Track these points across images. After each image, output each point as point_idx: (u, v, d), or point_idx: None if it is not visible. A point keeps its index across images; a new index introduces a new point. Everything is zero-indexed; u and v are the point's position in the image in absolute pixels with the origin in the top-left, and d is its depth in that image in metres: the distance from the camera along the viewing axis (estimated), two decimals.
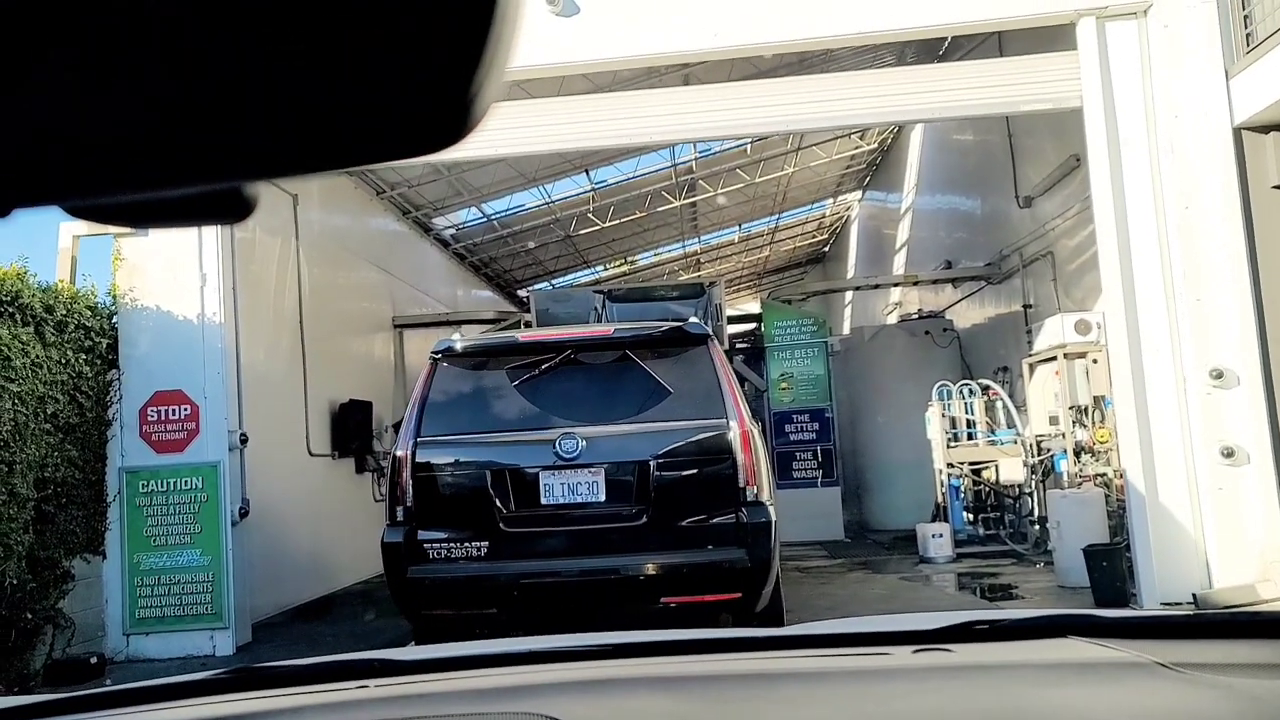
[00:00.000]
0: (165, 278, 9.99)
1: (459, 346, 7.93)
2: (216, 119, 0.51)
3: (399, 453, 7.54)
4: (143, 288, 10.09)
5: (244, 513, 10.29)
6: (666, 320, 8.80)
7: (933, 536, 13.85)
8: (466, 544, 7.34)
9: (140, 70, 0.50)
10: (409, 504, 7.40)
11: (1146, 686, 1.73)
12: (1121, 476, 11.64)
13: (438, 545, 7.36)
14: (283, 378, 12.66)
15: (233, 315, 10.36)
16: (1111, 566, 9.72)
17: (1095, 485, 11.53)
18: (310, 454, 13.30)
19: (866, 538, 17.12)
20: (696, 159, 20.57)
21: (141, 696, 2.00)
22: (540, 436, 7.46)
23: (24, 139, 0.51)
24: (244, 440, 10.39)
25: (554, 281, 26.98)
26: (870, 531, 17.64)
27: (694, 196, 22.75)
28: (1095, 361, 12.61)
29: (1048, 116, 13.86)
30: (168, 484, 9.96)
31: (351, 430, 14.49)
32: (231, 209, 0.60)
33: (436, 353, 7.92)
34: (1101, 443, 12.33)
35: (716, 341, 8.21)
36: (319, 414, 13.71)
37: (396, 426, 16.12)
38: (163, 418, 10.04)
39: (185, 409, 10.03)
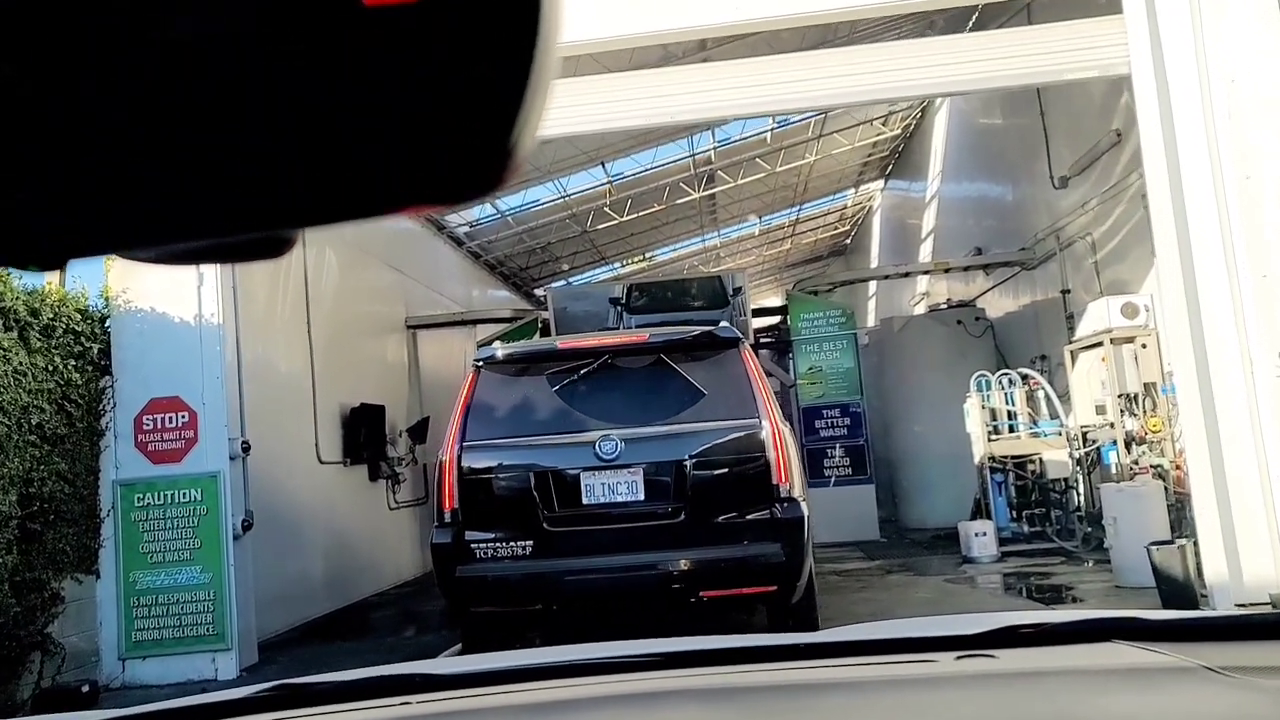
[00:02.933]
0: (161, 278, 9.26)
1: (500, 354, 8.22)
2: (259, 172, 0.53)
3: (444, 457, 7.75)
4: (137, 289, 9.46)
5: (247, 525, 9.68)
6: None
7: (976, 535, 13.25)
8: (512, 543, 7.59)
9: (188, 127, 0.51)
10: (456, 506, 7.64)
11: (1194, 692, 1.70)
12: (1179, 468, 11.03)
13: (484, 545, 7.60)
14: (289, 382, 12.10)
15: (233, 316, 9.76)
16: (1179, 565, 9.05)
17: (1153, 477, 10.85)
18: (320, 461, 12.73)
19: (904, 537, 16.59)
20: (715, 148, 19.97)
21: (181, 717, 2.00)
22: (580, 439, 7.70)
23: (74, 195, 0.53)
24: (246, 448, 9.78)
25: (571, 279, 26.40)
26: (907, 530, 17.12)
27: (713, 188, 22.15)
28: (1144, 346, 12.01)
29: (1083, 91, 13.27)
30: (165, 496, 9.33)
31: (363, 436, 13.91)
32: (271, 247, 0.62)
33: (479, 360, 8.20)
34: (1154, 432, 11.70)
35: (747, 344, 8.45)
36: (329, 419, 13.14)
37: (411, 431, 15.93)
38: (159, 426, 9.42)
39: (183, 416, 9.40)
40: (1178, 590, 9.01)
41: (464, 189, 0.55)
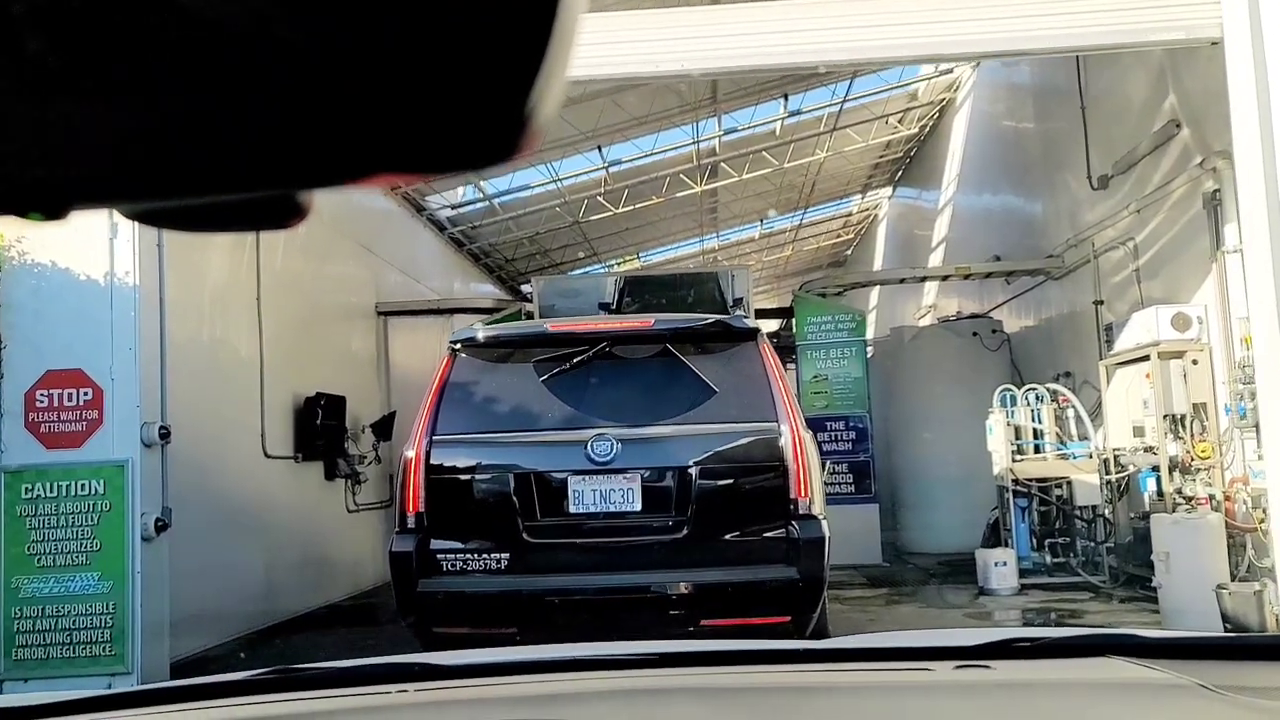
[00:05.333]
0: (65, 227, 7.84)
1: (481, 336, 7.42)
2: (268, 127, 0.52)
3: (411, 453, 6.95)
4: (36, 238, 7.96)
5: (162, 525, 8.20)
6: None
7: (995, 564, 11.97)
8: (485, 555, 6.83)
9: (195, 76, 0.51)
10: (421, 509, 6.84)
11: (1188, 708, 1.73)
12: (1230, 499, 9.82)
13: (452, 556, 6.82)
14: (232, 362, 10.70)
15: (156, 278, 8.30)
16: (1255, 613, 7.74)
17: (1211, 509, 9.53)
18: (266, 455, 11.32)
19: (907, 562, 15.40)
20: (721, 137, 18.68)
21: (178, 695, 2.01)
22: (570, 437, 6.92)
23: (79, 144, 0.53)
24: (164, 435, 8.30)
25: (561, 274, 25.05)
26: (910, 555, 15.94)
27: (716, 182, 20.85)
28: (1195, 362, 10.73)
29: (1123, 87, 12.08)
30: (59, 488, 7.86)
31: (320, 429, 12.51)
32: (281, 214, 0.61)
33: (455, 342, 7.37)
34: (1202, 458, 10.40)
35: (765, 337, 7.54)
36: (279, 408, 11.74)
37: (376, 427, 14.56)
38: (56, 404, 7.94)
39: (86, 393, 7.93)
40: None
41: (478, 156, 0.53)
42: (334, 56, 0.49)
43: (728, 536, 6.82)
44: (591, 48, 7.68)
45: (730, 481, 6.93)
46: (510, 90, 0.50)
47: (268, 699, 1.95)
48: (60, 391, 7.97)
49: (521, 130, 0.51)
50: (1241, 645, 2.29)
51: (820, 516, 6.91)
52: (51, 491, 7.88)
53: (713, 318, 7.60)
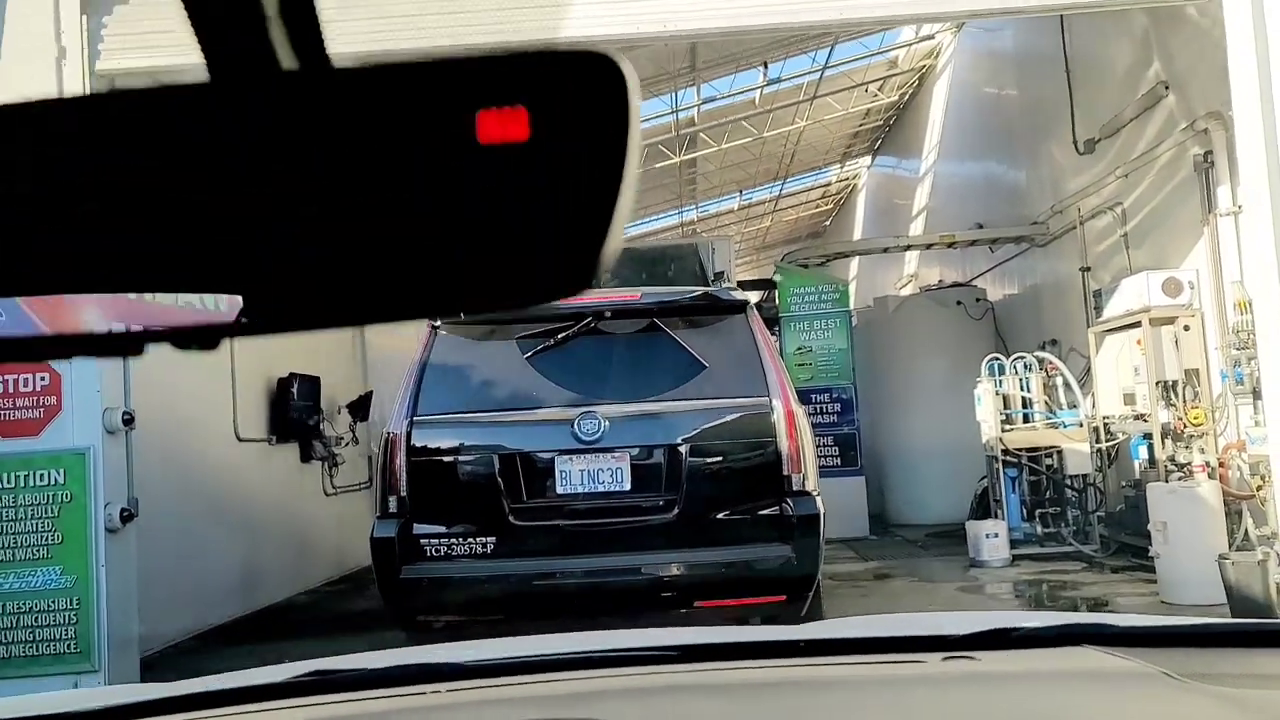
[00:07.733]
0: None
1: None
2: (404, 269, 0.62)
3: (392, 433, 6.80)
4: None
5: (128, 515, 7.86)
6: None
7: (986, 536, 11.77)
8: (469, 539, 6.69)
9: (361, 217, 0.62)
10: (403, 493, 6.68)
11: (1150, 696, 1.76)
12: (1224, 465, 9.62)
13: (436, 541, 6.68)
14: None
15: None
16: (1259, 583, 7.54)
17: (1207, 477, 9.31)
18: (239, 438, 10.99)
19: (893, 534, 15.25)
20: (700, 106, 18.36)
21: (208, 701, 2.02)
22: (556, 415, 6.77)
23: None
24: (128, 420, 7.91)
25: None
26: (896, 527, 15.74)
27: (695, 152, 20.53)
28: (1187, 328, 10.54)
29: (1119, 43, 11.83)
30: (16, 479, 7.49)
31: (295, 410, 12.18)
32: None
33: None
34: (1195, 424, 10.21)
35: (755, 310, 7.51)
36: (252, 390, 11.40)
37: (353, 407, 14.26)
38: (10, 389, 7.58)
39: (42, 378, 7.55)
40: (1255, 612, 7.52)
41: (562, 288, 0.62)
42: (453, 218, 0.60)
43: (720, 515, 6.69)
44: (573, 8, 7.40)
45: (722, 459, 6.80)
46: (590, 241, 0.60)
47: (303, 702, 1.97)
48: (15, 377, 7.59)
49: (596, 265, 0.61)
50: (1213, 633, 2.31)
51: (814, 493, 6.76)
52: (8, 482, 7.48)
53: (701, 290, 7.42)
